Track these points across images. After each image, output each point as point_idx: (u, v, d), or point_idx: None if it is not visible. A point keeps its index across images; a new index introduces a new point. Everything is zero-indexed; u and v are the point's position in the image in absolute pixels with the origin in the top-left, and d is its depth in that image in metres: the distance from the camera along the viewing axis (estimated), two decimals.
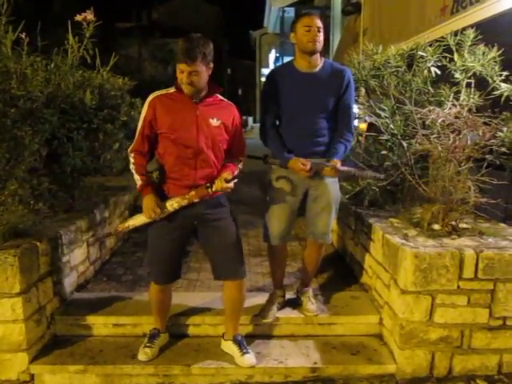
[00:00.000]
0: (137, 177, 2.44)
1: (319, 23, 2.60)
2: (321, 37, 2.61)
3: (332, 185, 2.79)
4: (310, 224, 2.86)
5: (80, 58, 3.48)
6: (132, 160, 2.46)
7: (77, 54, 3.45)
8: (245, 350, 2.63)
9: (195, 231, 2.56)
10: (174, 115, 2.38)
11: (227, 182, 2.38)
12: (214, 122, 2.42)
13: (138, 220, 2.49)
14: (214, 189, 2.40)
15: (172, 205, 2.40)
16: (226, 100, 2.55)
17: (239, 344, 2.65)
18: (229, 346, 2.69)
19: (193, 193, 2.40)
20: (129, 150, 2.49)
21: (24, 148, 2.92)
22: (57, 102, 3.22)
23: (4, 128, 2.83)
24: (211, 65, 2.35)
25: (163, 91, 2.44)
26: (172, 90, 2.43)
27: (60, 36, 3.49)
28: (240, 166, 2.61)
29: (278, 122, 2.81)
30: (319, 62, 2.70)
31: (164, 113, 2.39)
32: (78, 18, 3.40)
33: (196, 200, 2.41)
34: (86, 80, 3.58)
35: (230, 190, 2.44)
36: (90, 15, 3.40)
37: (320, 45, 2.63)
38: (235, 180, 2.43)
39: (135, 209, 4.63)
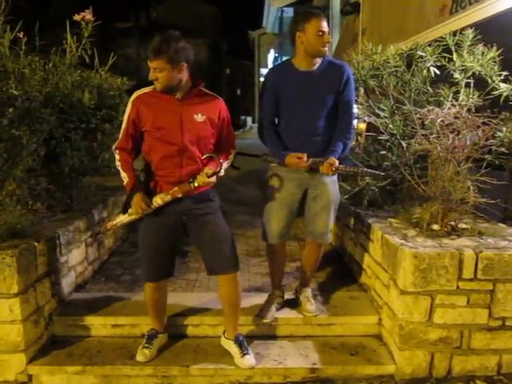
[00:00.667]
0: (123, 174, 2.45)
1: (327, 25, 2.60)
2: None
3: (331, 185, 2.78)
4: (309, 223, 2.85)
5: (78, 58, 3.47)
6: (117, 157, 2.47)
7: (75, 54, 3.44)
8: (245, 351, 2.62)
9: (185, 228, 2.55)
10: (157, 113, 2.38)
11: (209, 176, 2.38)
12: (199, 118, 2.41)
13: (126, 217, 2.49)
14: (196, 184, 2.41)
15: (156, 201, 2.41)
16: (210, 93, 2.52)
17: (240, 345, 2.64)
18: (230, 346, 2.68)
19: (176, 188, 2.41)
20: (113, 147, 2.51)
21: (22, 148, 2.91)
22: (55, 102, 3.21)
23: (1, 128, 2.83)
24: (184, 63, 2.30)
25: (147, 89, 2.43)
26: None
27: (58, 36, 3.48)
28: (230, 158, 2.59)
29: (276, 121, 2.80)
30: (318, 59, 2.68)
31: (147, 111, 2.38)
32: (77, 17, 3.39)
33: (179, 195, 2.41)
34: (85, 80, 3.57)
35: (212, 185, 2.45)
36: (88, 15, 3.39)
37: None
38: (221, 174, 2.44)
39: None
